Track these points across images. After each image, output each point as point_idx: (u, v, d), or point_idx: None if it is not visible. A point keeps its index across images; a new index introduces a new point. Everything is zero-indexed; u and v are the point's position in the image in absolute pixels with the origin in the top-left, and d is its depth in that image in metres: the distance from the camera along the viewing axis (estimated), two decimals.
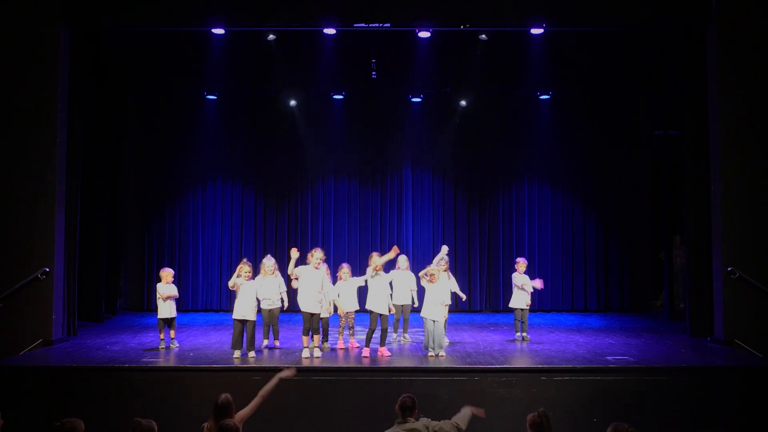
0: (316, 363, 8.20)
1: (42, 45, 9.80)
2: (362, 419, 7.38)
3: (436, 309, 8.61)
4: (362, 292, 9.25)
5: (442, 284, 8.78)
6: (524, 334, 9.91)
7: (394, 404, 5.73)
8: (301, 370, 7.90)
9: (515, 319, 9.98)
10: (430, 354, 8.51)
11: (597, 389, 7.69)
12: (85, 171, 10.91)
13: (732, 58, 9.80)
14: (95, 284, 12.00)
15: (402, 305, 9.59)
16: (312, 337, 8.65)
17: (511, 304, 9.98)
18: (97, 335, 10.51)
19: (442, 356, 8.47)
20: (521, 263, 10.06)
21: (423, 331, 8.84)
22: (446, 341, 9.10)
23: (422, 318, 8.70)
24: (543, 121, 14.13)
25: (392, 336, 9.59)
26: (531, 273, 13.88)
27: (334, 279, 9.50)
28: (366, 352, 8.60)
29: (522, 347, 9.47)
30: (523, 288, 9.85)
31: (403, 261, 9.76)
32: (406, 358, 8.57)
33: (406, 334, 9.81)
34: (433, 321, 8.57)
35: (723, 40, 9.82)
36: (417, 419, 5.71)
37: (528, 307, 9.94)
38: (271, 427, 7.28)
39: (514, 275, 9.98)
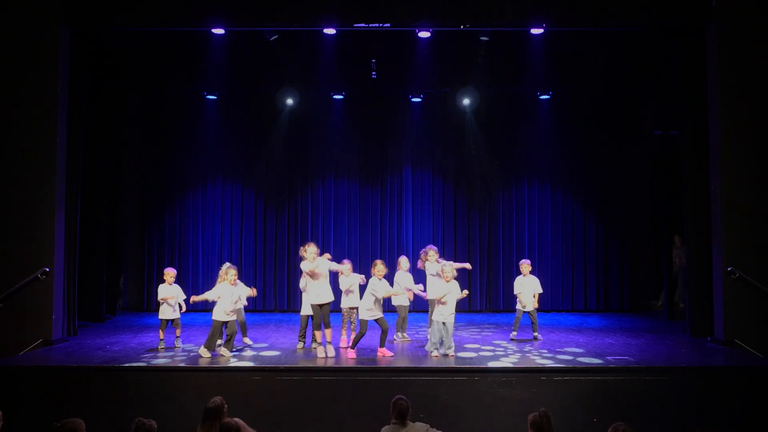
0: (330, 363, 8.16)
1: (42, 45, 9.80)
2: (362, 419, 7.38)
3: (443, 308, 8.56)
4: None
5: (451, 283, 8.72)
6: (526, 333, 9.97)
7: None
8: (301, 370, 7.93)
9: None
10: (434, 354, 8.51)
11: (597, 389, 7.69)
12: (85, 171, 10.90)
13: (732, 58, 9.80)
14: (95, 284, 12.00)
15: (399, 306, 9.60)
16: (324, 331, 8.52)
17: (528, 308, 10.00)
18: (97, 335, 10.51)
19: (452, 356, 8.45)
20: (525, 264, 10.09)
21: (424, 331, 8.76)
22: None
23: (437, 322, 8.59)
24: (543, 121, 14.12)
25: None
26: (531, 273, 14.01)
27: None
28: (352, 353, 8.46)
29: (522, 347, 9.46)
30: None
31: (404, 262, 9.80)
32: (407, 358, 8.56)
33: (405, 334, 9.79)
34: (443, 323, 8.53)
35: (723, 40, 9.82)
36: (413, 422, 5.68)
37: (524, 309, 9.97)
38: (272, 426, 7.29)
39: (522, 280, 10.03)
